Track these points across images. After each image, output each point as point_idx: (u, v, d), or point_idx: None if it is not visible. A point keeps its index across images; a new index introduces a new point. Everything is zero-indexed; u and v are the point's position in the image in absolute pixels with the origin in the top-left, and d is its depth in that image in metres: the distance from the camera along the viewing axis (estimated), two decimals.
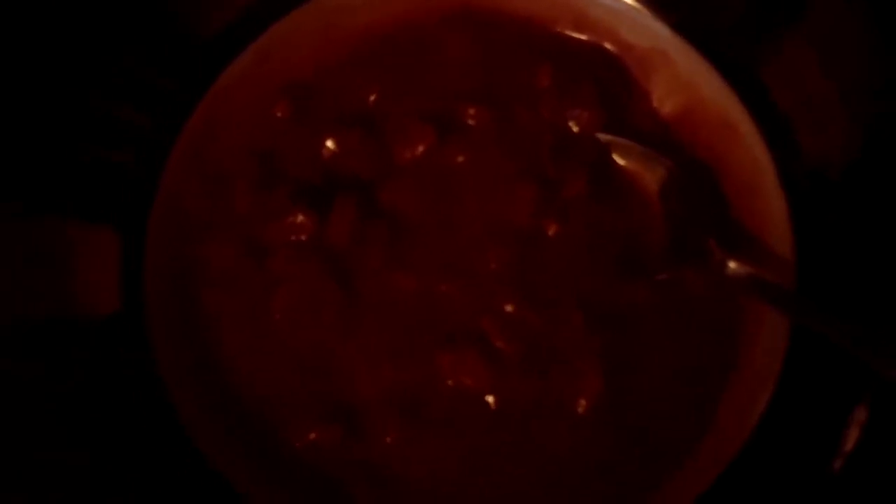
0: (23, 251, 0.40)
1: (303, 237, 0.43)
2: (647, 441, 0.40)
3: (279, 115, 0.46)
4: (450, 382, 0.42)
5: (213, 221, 0.44)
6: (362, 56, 0.46)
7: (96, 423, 0.40)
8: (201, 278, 0.44)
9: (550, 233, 0.43)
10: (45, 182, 0.41)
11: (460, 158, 0.44)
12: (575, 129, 0.45)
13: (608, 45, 0.46)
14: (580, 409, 0.41)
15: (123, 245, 0.42)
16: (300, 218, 0.43)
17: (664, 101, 0.45)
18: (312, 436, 0.42)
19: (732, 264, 0.41)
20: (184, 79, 0.44)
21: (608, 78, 0.46)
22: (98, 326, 0.41)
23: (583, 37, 0.46)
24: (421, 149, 0.44)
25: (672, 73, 0.45)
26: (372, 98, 0.46)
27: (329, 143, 0.45)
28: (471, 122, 0.45)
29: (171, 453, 0.40)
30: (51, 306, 0.40)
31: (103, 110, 0.43)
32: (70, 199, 0.41)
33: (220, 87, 0.45)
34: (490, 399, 0.41)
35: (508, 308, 0.42)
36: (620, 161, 0.44)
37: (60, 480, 0.39)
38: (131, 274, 0.42)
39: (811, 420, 0.40)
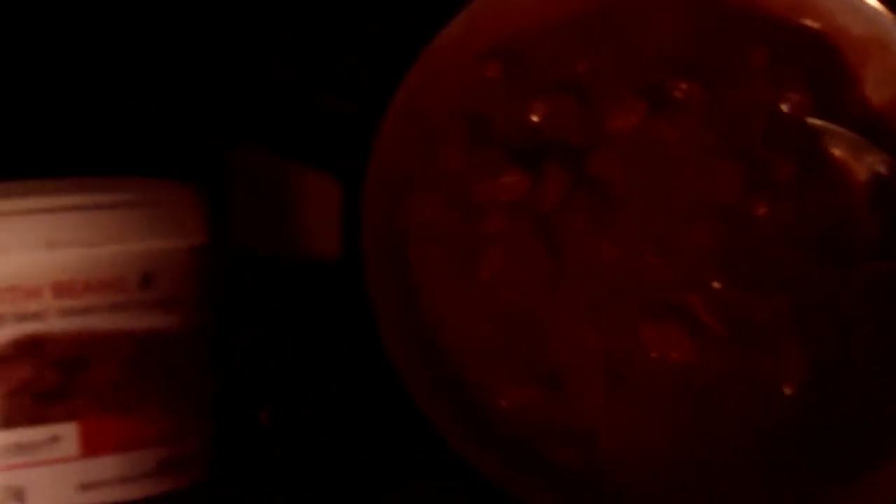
0: (255, 189, 0.41)
1: (513, 198, 0.44)
2: (852, 430, 0.41)
3: (489, 75, 0.46)
4: (654, 354, 0.42)
5: (424, 178, 0.45)
6: (575, 23, 0.47)
7: (314, 370, 0.41)
8: (411, 234, 0.45)
9: (758, 213, 0.43)
10: (283, 127, 0.42)
11: (669, 132, 0.45)
12: (787, 112, 0.45)
13: (825, 31, 0.46)
14: (783, 391, 0.42)
15: (348, 191, 0.43)
16: (511, 179, 0.44)
17: (878, 90, 0.45)
18: (516, 395, 0.43)
19: None
20: (404, 32, 0.44)
21: (822, 63, 0.46)
22: (320, 271, 0.42)
23: (799, 20, 0.46)
24: (631, 120, 0.45)
25: (889, 62, 0.45)
26: (583, 66, 0.46)
27: (538, 108, 0.46)
28: (681, 97, 0.45)
29: (387, 405, 0.41)
30: (279, 247, 0.41)
31: (331, 60, 0.44)
32: (301, 146, 0.42)
33: (435, 44, 0.46)
34: (694, 374, 0.42)
35: (716, 284, 0.43)
36: (831, 148, 0.44)
37: (277, 424, 0.40)
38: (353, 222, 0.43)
39: None
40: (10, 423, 0.35)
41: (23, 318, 0.35)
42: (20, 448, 0.35)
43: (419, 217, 0.45)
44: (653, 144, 0.45)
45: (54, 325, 0.35)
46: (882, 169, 0.43)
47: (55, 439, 0.35)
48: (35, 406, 0.35)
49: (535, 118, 0.46)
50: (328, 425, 0.40)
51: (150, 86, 0.45)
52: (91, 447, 0.36)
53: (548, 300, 0.43)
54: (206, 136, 0.42)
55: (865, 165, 0.44)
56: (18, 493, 0.35)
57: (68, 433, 0.35)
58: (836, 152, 0.44)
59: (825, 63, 0.46)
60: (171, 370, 0.38)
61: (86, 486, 0.36)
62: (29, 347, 0.35)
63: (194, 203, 0.39)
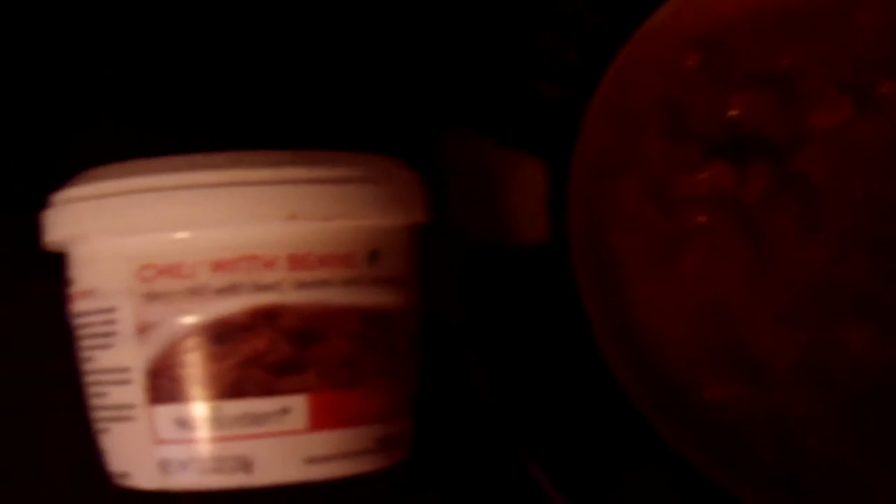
0: (468, 171, 0.41)
1: (716, 192, 0.44)
2: None
3: (689, 66, 0.46)
4: (858, 354, 0.42)
5: (625, 166, 0.45)
6: (781, 17, 0.46)
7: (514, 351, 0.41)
8: (612, 222, 0.44)
9: None
10: (493, 110, 0.42)
11: (875, 131, 0.44)
12: None
13: None
14: None
15: (552, 178, 0.42)
16: (716, 172, 0.44)
17: None
18: (719, 390, 0.42)
19: None
20: (617, 16, 0.44)
21: None
22: (526, 255, 0.42)
23: None
24: (837, 118, 0.44)
25: None
26: (787, 61, 0.45)
27: (738, 101, 0.45)
28: (889, 95, 0.44)
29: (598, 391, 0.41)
30: (488, 230, 0.41)
31: (542, 43, 0.43)
32: (509, 129, 0.42)
33: (643, 31, 0.45)
34: None
35: None
36: None
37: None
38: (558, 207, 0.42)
39: None
40: (242, 392, 0.35)
41: (259, 288, 0.35)
42: (250, 418, 0.35)
43: (620, 205, 0.44)
44: (858, 143, 0.44)
45: (289, 296, 0.35)
46: None
47: (285, 411, 0.35)
48: (267, 377, 0.35)
49: (734, 111, 0.45)
50: (540, 409, 0.39)
51: (377, 66, 0.44)
52: (318, 421, 0.36)
53: (750, 295, 0.43)
54: (425, 117, 0.42)
55: None
56: (246, 464, 0.35)
57: (298, 406, 0.35)
58: None
59: None
60: (391, 347, 0.38)
61: (311, 460, 0.36)
62: (264, 318, 0.35)
63: (417, 181, 0.39)
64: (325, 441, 0.36)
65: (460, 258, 0.40)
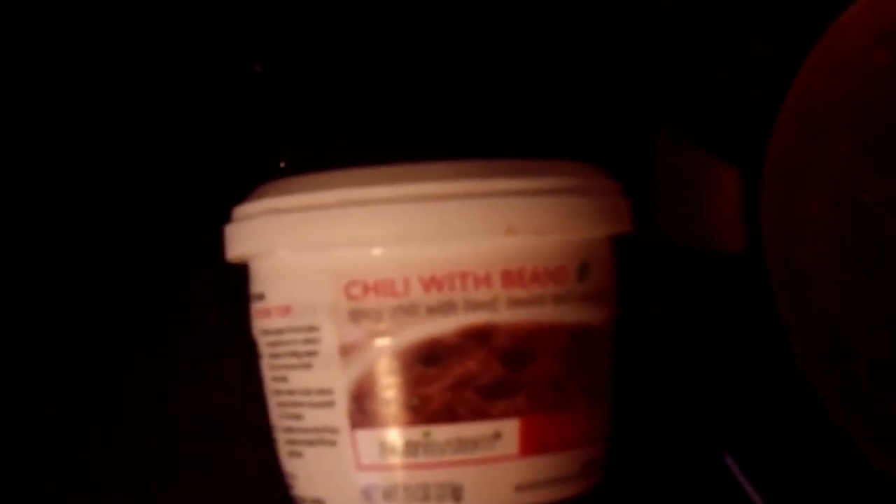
0: (675, 178, 0.39)
1: None
2: None
3: (877, 64, 0.44)
4: None
5: (814, 171, 0.43)
6: None
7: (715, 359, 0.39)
8: (803, 230, 0.42)
9: None
10: (689, 113, 0.40)
11: None
12: None
13: None
14: None
15: (748, 183, 0.40)
16: None
17: None
18: None
19: None
20: (813, 13, 0.42)
21: None
22: (721, 263, 0.40)
23: None
24: None
25: None
26: None
27: None
28: None
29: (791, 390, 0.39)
30: (689, 238, 0.39)
31: (736, 41, 0.41)
32: (703, 132, 0.40)
33: (835, 28, 0.43)
34: None
35: None
36: None
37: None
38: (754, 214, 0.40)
39: None
40: (453, 417, 0.33)
41: (472, 306, 0.33)
42: (461, 444, 0.33)
43: (810, 212, 0.42)
44: None
45: (502, 315, 0.33)
46: None
47: (497, 436, 0.33)
48: (479, 400, 0.33)
49: None
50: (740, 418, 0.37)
51: (570, 71, 0.43)
52: (529, 446, 0.34)
53: None
54: (624, 121, 0.40)
55: None
56: (456, 491, 0.33)
57: (510, 430, 0.34)
58: None
59: None
60: (595, 365, 0.36)
61: (521, 487, 0.34)
62: (476, 338, 0.33)
63: (620, 191, 0.37)
64: (535, 467, 0.34)
65: (665, 267, 0.38)
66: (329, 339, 0.34)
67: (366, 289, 0.33)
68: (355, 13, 0.43)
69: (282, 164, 0.39)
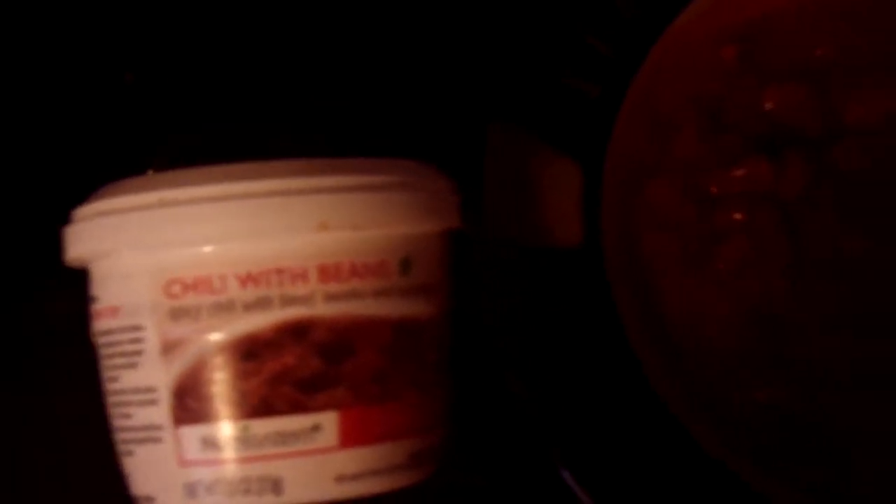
0: (510, 174, 0.40)
1: (754, 188, 0.42)
2: None
3: (725, 60, 0.44)
4: None
5: (659, 165, 0.43)
6: (815, 8, 0.45)
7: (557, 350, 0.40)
8: (646, 223, 0.43)
9: None
10: (529, 109, 0.40)
11: None
12: None
13: None
14: None
15: (587, 178, 0.41)
16: (754, 168, 0.42)
17: None
18: (756, 394, 0.41)
19: None
20: (653, 12, 0.43)
21: None
22: (561, 258, 0.40)
23: None
24: (878, 110, 0.43)
25: None
26: (822, 51, 0.44)
27: (773, 95, 0.44)
28: None
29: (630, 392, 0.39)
30: (524, 232, 0.40)
31: (583, 39, 0.42)
32: (545, 128, 0.41)
33: (676, 26, 0.44)
34: None
35: None
36: None
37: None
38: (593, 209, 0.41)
39: None
40: (271, 410, 0.34)
41: (289, 301, 0.34)
42: (278, 437, 0.34)
43: (654, 205, 0.43)
44: None
45: (319, 309, 0.34)
46: None
47: (315, 429, 0.34)
48: (296, 394, 0.34)
49: (770, 106, 0.43)
50: (576, 411, 0.38)
51: (403, 66, 0.43)
52: (350, 438, 0.34)
53: (790, 296, 0.42)
54: (458, 117, 0.41)
55: None
56: (276, 484, 0.34)
57: (328, 423, 0.34)
58: None
59: None
60: (422, 358, 0.36)
61: (342, 478, 0.35)
62: (294, 332, 0.34)
63: (449, 186, 0.37)
64: (356, 458, 0.35)
65: (495, 262, 0.39)
66: (152, 338, 0.34)
67: (185, 287, 0.34)
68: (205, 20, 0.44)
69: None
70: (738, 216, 0.42)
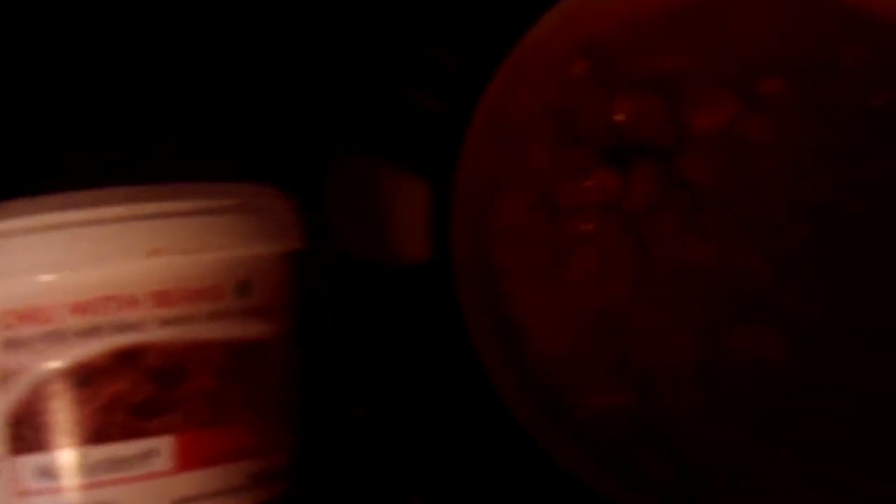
0: (354, 193, 0.40)
1: (602, 199, 0.43)
2: None
3: (575, 74, 0.45)
4: (746, 358, 0.41)
5: (511, 179, 0.44)
6: (663, 20, 0.46)
7: (404, 367, 0.40)
8: (498, 236, 0.44)
9: (853, 211, 0.42)
10: (371, 125, 0.41)
11: (760, 131, 0.44)
12: (879, 109, 0.44)
13: None
14: (884, 392, 0.41)
15: (435, 193, 0.42)
16: (599, 180, 0.43)
17: None
18: (604, 399, 0.42)
19: None
20: (500, 29, 0.43)
21: None
22: (409, 274, 0.41)
23: (891, 16, 0.45)
24: (721, 119, 0.44)
25: None
26: (670, 64, 0.45)
27: (624, 106, 0.45)
28: (772, 95, 0.44)
29: (477, 409, 0.40)
30: (371, 251, 0.40)
31: (424, 55, 0.42)
32: (388, 145, 0.41)
33: (525, 42, 0.45)
34: (789, 376, 0.41)
35: (808, 285, 0.42)
36: None
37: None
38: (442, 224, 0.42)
39: None
40: (106, 437, 0.34)
41: (120, 328, 0.34)
42: (114, 463, 0.34)
43: (507, 218, 0.44)
44: (744, 144, 0.44)
45: (152, 335, 0.34)
46: None
47: (150, 454, 0.34)
48: (130, 420, 0.34)
49: (620, 117, 0.44)
50: (421, 430, 0.39)
51: (244, 89, 0.43)
52: (186, 461, 0.35)
53: (637, 302, 0.43)
54: (301, 138, 0.41)
55: None
56: None
57: (164, 447, 0.34)
58: None
59: None
60: (263, 379, 0.37)
61: (180, 502, 0.35)
62: (126, 358, 0.34)
63: (290, 208, 0.38)
64: (194, 481, 0.35)
65: (341, 281, 0.39)
66: None
67: (19, 318, 0.34)
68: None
69: None
70: (587, 227, 0.43)
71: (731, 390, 0.41)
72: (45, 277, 0.34)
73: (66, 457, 0.34)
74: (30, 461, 0.34)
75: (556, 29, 0.45)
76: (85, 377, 0.34)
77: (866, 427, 0.41)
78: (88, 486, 0.34)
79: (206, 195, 0.35)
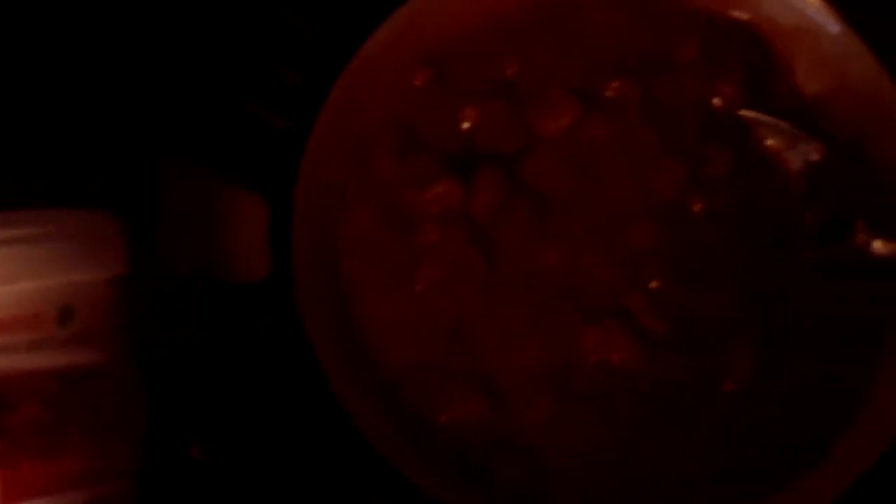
0: (185, 213, 0.40)
1: (446, 208, 0.43)
2: (796, 423, 0.40)
3: (419, 84, 0.45)
4: (595, 359, 0.41)
5: (355, 190, 0.44)
6: (502, 26, 0.46)
7: (245, 388, 0.40)
8: (343, 248, 0.43)
9: (696, 210, 0.43)
10: (207, 142, 0.41)
11: (604, 133, 0.44)
12: (719, 105, 0.44)
13: (754, 22, 0.45)
14: (729, 389, 0.41)
15: (275, 209, 0.41)
16: (444, 188, 0.43)
17: (809, 80, 0.45)
18: (457, 410, 0.41)
19: (879, 244, 0.41)
20: (339, 40, 0.43)
21: (753, 55, 0.45)
22: (249, 293, 0.41)
23: (729, 12, 0.45)
24: (564, 122, 0.44)
25: (818, 51, 0.44)
26: (512, 69, 0.45)
27: (469, 114, 0.45)
28: (614, 95, 0.44)
29: (321, 422, 0.40)
30: (208, 270, 0.40)
31: (263, 69, 0.42)
32: (226, 162, 0.41)
33: (364, 54, 0.45)
34: (636, 377, 0.41)
35: (654, 285, 0.42)
36: (765, 139, 0.44)
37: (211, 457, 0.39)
38: (282, 240, 0.41)
39: None
40: None
41: None
42: None
43: (351, 230, 0.44)
44: (588, 146, 0.44)
45: None
46: (816, 157, 0.43)
47: None
48: None
49: (466, 125, 0.44)
50: (266, 453, 0.38)
51: (69, 108, 0.43)
52: (15, 493, 0.34)
53: (486, 310, 0.42)
54: (132, 159, 0.41)
55: (799, 155, 0.43)
56: None
57: None
58: (771, 143, 0.44)
59: (756, 54, 0.45)
60: (96, 407, 0.36)
61: None
62: None
63: (113, 232, 0.37)
64: None
65: (173, 303, 0.39)
66: None
67: None
68: None
69: None
70: (432, 236, 0.43)
71: (582, 393, 0.41)
72: None
73: None
74: None
75: (396, 39, 0.45)
76: None
77: (717, 425, 0.41)
78: None
79: (22, 223, 0.35)
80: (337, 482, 0.40)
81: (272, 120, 0.42)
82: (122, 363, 0.38)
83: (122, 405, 0.37)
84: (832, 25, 0.44)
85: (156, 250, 0.39)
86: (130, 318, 0.38)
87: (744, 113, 0.44)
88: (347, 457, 0.40)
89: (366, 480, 0.40)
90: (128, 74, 0.42)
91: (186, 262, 0.39)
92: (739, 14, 0.45)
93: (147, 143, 0.41)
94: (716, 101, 0.44)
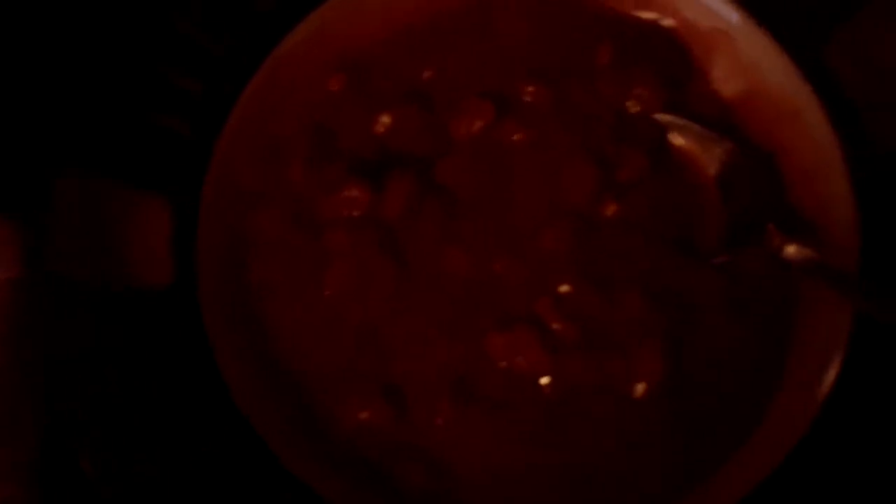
0: (83, 217, 0.40)
1: (357, 212, 0.43)
2: (705, 425, 0.40)
3: (334, 89, 0.45)
4: (503, 364, 0.41)
5: (266, 193, 0.44)
6: (418, 31, 0.46)
7: (148, 396, 0.39)
8: (252, 251, 0.43)
9: (608, 213, 0.42)
10: (106, 148, 0.40)
11: (517, 136, 0.44)
12: (634, 108, 0.44)
13: (669, 25, 0.45)
14: (638, 393, 0.40)
15: (178, 216, 0.41)
16: (355, 192, 0.43)
17: (725, 83, 0.44)
18: (363, 415, 0.41)
19: (791, 248, 0.40)
20: (240, 48, 0.43)
21: (669, 58, 0.45)
22: (151, 299, 0.40)
23: (644, 15, 0.45)
24: (478, 126, 0.44)
25: (734, 54, 0.44)
26: (427, 74, 0.45)
27: (384, 119, 0.45)
28: (528, 99, 0.44)
29: (222, 429, 0.39)
30: (107, 275, 0.39)
31: (162, 76, 0.42)
32: (127, 168, 0.41)
33: (276, 58, 0.44)
34: (544, 381, 0.41)
35: (564, 289, 0.42)
36: (678, 142, 0.43)
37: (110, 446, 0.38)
38: (185, 245, 0.41)
39: (875, 410, 0.39)
40: None
41: None
42: None
43: (260, 235, 0.43)
44: (501, 150, 0.44)
45: None
46: (730, 160, 0.42)
47: None
48: None
49: (380, 130, 0.44)
50: (161, 466, 0.38)
51: None
52: None
53: (395, 315, 0.42)
54: (27, 163, 0.40)
55: (714, 158, 0.43)
56: None
57: None
58: (685, 146, 0.43)
59: (672, 58, 0.45)
60: None
61: None
62: None
63: (6, 235, 0.37)
64: None
65: (71, 308, 0.38)
66: None
67: None
68: None
69: None
70: (341, 241, 0.43)
71: (489, 398, 0.41)
72: None
73: None
74: None
75: (310, 42, 0.44)
76: None
77: (624, 428, 0.40)
78: None
79: None
80: (237, 492, 0.39)
81: (176, 126, 0.42)
82: (12, 371, 0.37)
83: (12, 414, 0.37)
84: (748, 27, 0.44)
85: (49, 254, 0.38)
86: (22, 323, 0.38)
87: (658, 116, 0.44)
88: (248, 466, 0.39)
89: (268, 490, 0.39)
90: (22, 80, 0.42)
91: (81, 267, 0.39)
92: (655, 17, 0.45)
93: (42, 147, 0.40)
94: (631, 104, 0.44)
